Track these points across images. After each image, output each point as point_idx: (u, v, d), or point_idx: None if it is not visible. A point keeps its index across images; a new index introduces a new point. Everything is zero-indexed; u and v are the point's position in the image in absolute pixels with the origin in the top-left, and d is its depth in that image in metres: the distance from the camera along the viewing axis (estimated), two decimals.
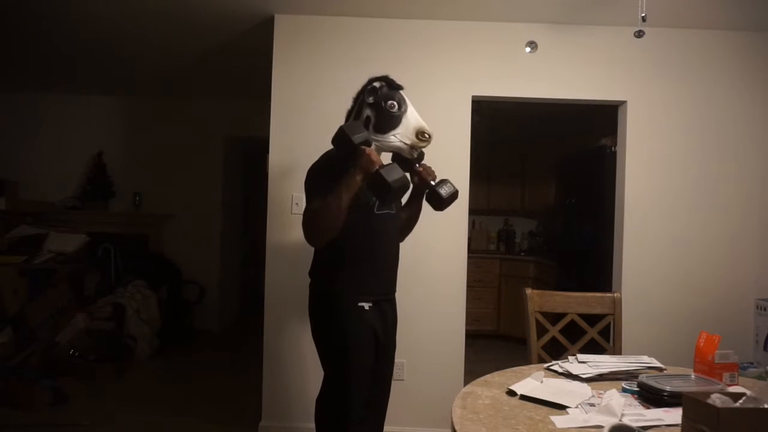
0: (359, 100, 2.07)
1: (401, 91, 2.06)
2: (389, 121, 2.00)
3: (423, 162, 2.15)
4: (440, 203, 2.09)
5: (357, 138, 1.85)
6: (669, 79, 3.04)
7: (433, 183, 2.11)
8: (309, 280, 2.12)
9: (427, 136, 2.02)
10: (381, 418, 2.18)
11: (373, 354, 2.02)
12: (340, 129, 1.88)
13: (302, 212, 2.02)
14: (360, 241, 1.99)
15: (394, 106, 2.00)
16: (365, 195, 1.97)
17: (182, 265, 5.25)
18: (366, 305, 1.99)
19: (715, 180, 3.04)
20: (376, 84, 2.04)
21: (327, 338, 2.04)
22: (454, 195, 2.11)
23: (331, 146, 2.08)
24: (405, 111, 2.02)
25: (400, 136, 2.01)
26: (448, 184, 2.11)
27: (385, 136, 2.01)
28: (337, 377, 2.01)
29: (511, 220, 6.23)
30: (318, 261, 2.11)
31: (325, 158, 2.06)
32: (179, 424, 3.18)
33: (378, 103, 2.01)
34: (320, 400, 2.09)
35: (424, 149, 2.09)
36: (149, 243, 5.37)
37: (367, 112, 2.03)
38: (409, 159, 2.07)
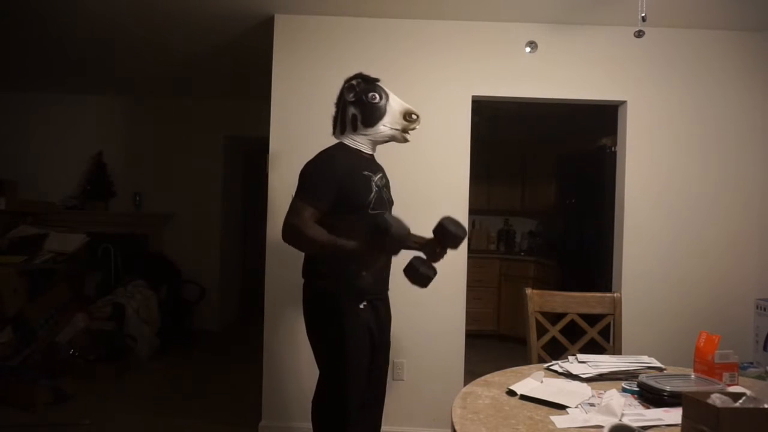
0: (341, 103, 2.10)
1: (379, 83, 2.09)
2: (375, 112, 2.04)
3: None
4: (452, 239, 1.95)
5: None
6: (669, 79, 3.04)
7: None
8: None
9: (414, 116, 2.07)
10: (378, 416, 2.18)
11: (369, 353, 2.03)
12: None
13: (289, 207, 1.99)
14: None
15: (376, 97, 2.04)
16: (363, 196, 1.98)
17: (182, 265, 5.25)
18: (361, 304, 1.99)
19: (715, 180, 3.04)
20: (353, 82, 2.07)
21: (323, 338, 2.04)
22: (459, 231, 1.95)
23: (329, 145, 2.09)
24: (388, 99, 2.07)
25: (389, 124, 2.06)
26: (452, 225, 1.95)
27: (375, 128, 2.05)
28: (334, 377, 2.00)
29: (511, 220, 6.23)
30: (312, 260, 2.10)
31: (323, 157, 2.05)
32: (179, 423, 3.18)
33: (360, 99, 2.04)
34: (316, 401, 2.08)
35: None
36: (149, 243, 5.38)
37: (352, 110, 2.06)
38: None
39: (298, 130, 3.01)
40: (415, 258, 1.87)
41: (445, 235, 1.93)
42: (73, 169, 5.36)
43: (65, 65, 4.35)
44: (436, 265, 1.94)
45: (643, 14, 2.08)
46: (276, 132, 3.03)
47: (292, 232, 1.93)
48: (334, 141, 2.16)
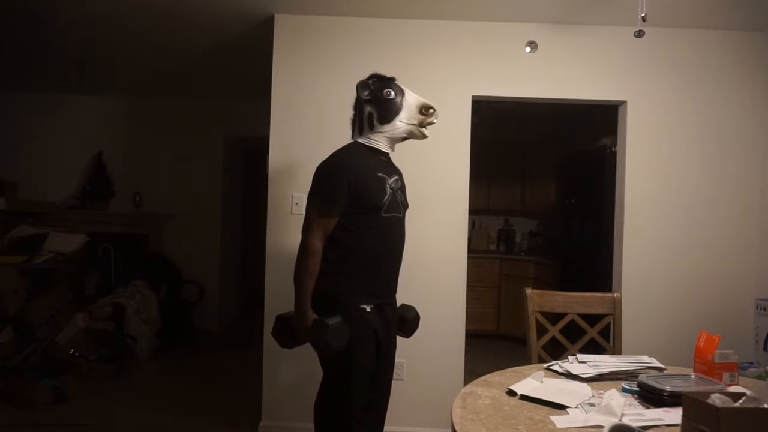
0: (358, 103, 2.09)
1: (395, 81, 2.08)
2: (391, 108, 2.02)
3: None
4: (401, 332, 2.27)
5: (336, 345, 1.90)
6: (669, 79, 3.04)
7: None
8: None
9: (432, 110, 2.05)
10: (381, 419, 2.17)
11: (374, 356, 2.02)
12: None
13: (304, 211, 2.04)
14: (366, 244, 1.98)
15: (391, 93, 2.02)
16: (376, 198, 1.98)
17: (182, 265, 5.25)
18: (368, 307, 1.99)
19: (715, 180, 3.04)
20: (368, 80, 2.07)
21: None
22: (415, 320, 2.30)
23: (337, 145, 2.10)
24: (403, 95, 2.05)
25: (406, 120, 2.04)
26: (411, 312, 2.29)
27: (392, 124, 2.03)
28: (339, 379, 1.99)
29: (511, 220, 6.23)
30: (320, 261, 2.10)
31: (337, 158, 2.04)
32: (179, 424, 3.18)
33: (375, 96, 2.03)
34: (320, 402, 2.08)
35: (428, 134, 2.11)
36: (149, 243, 5.38)
37: (368, 108, 2.05)
38: None
39: (298, 130, 3.02)
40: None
41: (401, 328, 2.24)
42: (73, 169, 5.36)
43: (65, 65, 4.35)
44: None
45: (643, 14, 2.07)
46: (276, 132, 3.03)
47: (301, 247, 2.00)
48: (333, 140, 2.16)
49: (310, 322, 1.93)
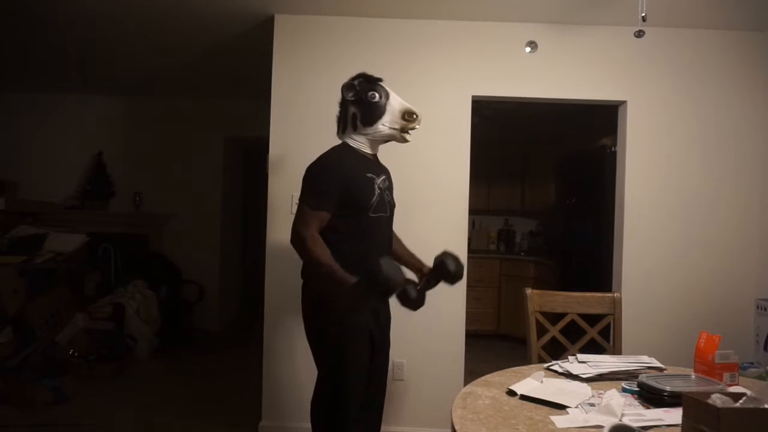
0: (343, 102, 2.10)
1: (381, 83, 2.08)
2: (374, 111, 2.03)
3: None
4: (450, 278, 2.05)
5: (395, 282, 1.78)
6: (669, 79, 3.04)
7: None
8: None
9: (414, 116, 2.05)
10: (378, 417, 2.18)
11: (368, 354, 2.02)
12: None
13: (296, 211, 2.03)
14: (355, 243, 1.99)
15: (375, 96, 2.03)
16: (365, 198, 1.98)
17: (182, 265, 5.25)
18: None
19: (715, 180, 3.04)
20: (354, 81, 2.07)
21: (321, 339, 2.04)
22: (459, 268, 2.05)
23: (329, 146, 2.09)
24: (388, 99, 2.05)
25: (388, 123, 2.04)
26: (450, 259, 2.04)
27: (374, 127, 2.04)
28: (334, 378, 2.00)
29: (511, 220, 6.22)
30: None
31: (328, 159, 2.04)
32: (179, 424, 3.18)
33: (360, 98, 2.04)
34: (316, 401, 2.08)
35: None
36: (149, 243, 5.38)
37: (352, 109, 2.06)
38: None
39: (298, 130, 3.02)
40: (410, 286, 1.90)
41: (444, 273, 2.02)
42: (73, 169, 5.36)
43: (65, 65, 4.35)
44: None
45: (643, 14, 2.07)
46: (276, 132, 3.03)
47: (299, 243, 1.96)
48: (333, 141, 2.16)
49: (354, 280, 1.82)
